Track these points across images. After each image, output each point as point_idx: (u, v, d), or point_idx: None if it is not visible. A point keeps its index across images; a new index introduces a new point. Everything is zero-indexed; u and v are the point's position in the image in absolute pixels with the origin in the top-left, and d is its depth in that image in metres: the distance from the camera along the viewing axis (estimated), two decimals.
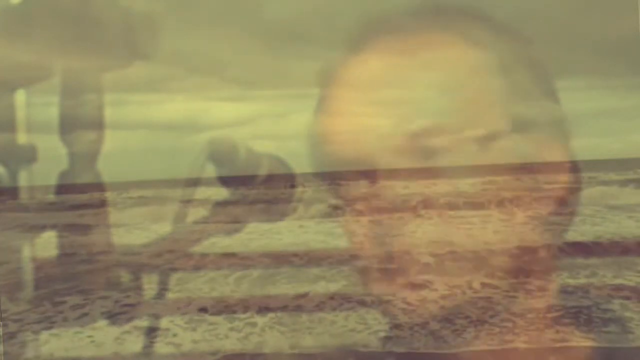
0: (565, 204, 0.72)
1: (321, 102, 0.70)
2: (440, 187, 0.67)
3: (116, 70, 0.94)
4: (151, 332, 0.90)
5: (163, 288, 0.93)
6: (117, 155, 0.97)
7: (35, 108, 1.04)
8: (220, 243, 0.78)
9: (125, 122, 0.97)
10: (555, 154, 0.73)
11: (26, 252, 1.04)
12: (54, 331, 0.94)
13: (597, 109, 1.08)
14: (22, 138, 1.04)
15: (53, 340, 0.94)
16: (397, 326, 0.69)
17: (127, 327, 0.91)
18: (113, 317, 0.91)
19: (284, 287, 1.71)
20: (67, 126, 0.97)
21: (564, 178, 0.73)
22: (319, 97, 0.70)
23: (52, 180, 0.98)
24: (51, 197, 0.99)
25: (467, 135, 0.67)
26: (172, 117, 0.78)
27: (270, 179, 0.71)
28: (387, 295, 0.66)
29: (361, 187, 0.67)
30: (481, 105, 0.69)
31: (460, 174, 0.69)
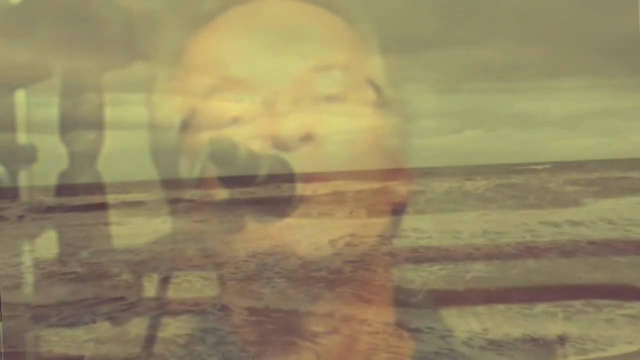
0: None
1: None
2: None
3: (116, 70, 0.94)
4: (151, 332, 0.90)
5: (163, 289, 0.93)
6: (117, 155, 0.97)
7: (35, 108, 1.04)
8: (220, 243, 0.78)
9: (125, 122, 0.96)
10: None
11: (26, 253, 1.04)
12: (54, 331, 0.94)
13: (597, 109, 1.08)
14: (22, 138, 1.04)
15: (53, 340, 0.94)
16: None
17: (128, 327, 0.91)
18: (114, 318, 0.91)
19: None
20: (67, 126, 0.97)
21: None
22: None
23: (52, 180, 0.98)
24: (50, 198, 0.99)
25: None
26: (172, 117, 0.78)
27: (271, 179, 0.71)
28: None
29: None
30: None
31: None
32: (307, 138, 0.71)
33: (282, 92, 0.72)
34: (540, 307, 0.92)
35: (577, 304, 0.94)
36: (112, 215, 1.00)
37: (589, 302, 0.94)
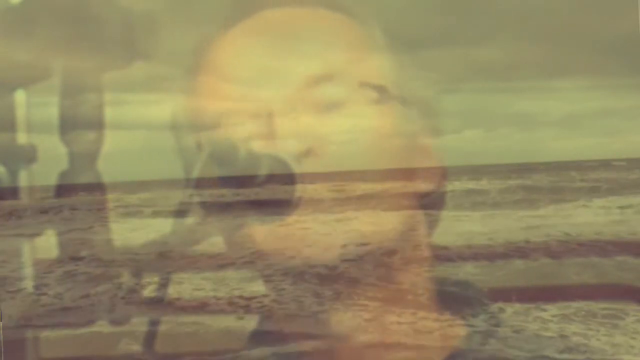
0: None
1: None
2: None
3: (116, 70, 0.94)
4: (151, 332, 0.90)
5: (164, 289, 0.93)
6: (117, 155, 0.97)
7: (35, 108, 1.04)
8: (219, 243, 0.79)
9: (125, 122, 0.97)
10: None
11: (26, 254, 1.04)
12: (54, 331, 0.94)
13: (597, 109, 1.08)
14: (22, 138, 1.04)
15: (54, 340, 0.94)
16: None
17: (128, 327, 0.91)
18: (114, 318, 0.91)
19: None
20: (67, 126, 0.97)
21: None
22: None
23: (52, 180, 0.98)
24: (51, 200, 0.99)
25: None
26: (171, 117, 0.79)
27: (271, 179, 0.71)
28: None
29: None
30: None
31: None
32: (308, 153, 0.71)
33: (281, 105, 0.72)
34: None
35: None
36: (112, 215, 1.00)
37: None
